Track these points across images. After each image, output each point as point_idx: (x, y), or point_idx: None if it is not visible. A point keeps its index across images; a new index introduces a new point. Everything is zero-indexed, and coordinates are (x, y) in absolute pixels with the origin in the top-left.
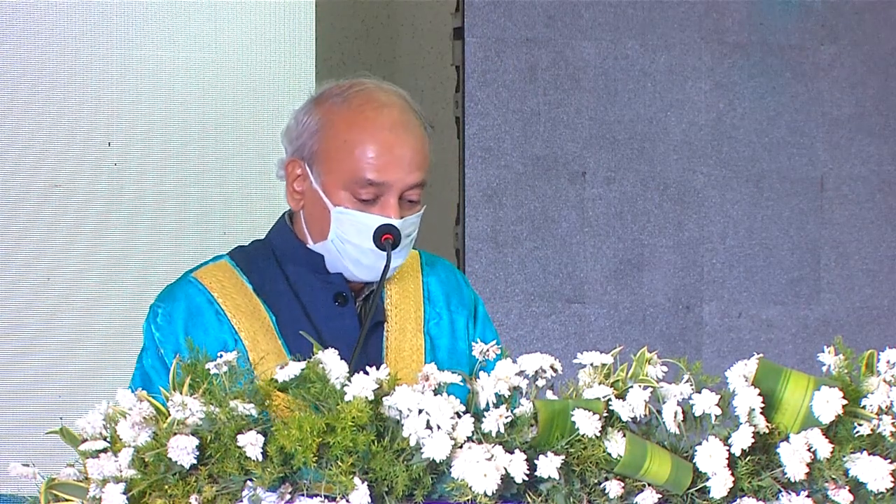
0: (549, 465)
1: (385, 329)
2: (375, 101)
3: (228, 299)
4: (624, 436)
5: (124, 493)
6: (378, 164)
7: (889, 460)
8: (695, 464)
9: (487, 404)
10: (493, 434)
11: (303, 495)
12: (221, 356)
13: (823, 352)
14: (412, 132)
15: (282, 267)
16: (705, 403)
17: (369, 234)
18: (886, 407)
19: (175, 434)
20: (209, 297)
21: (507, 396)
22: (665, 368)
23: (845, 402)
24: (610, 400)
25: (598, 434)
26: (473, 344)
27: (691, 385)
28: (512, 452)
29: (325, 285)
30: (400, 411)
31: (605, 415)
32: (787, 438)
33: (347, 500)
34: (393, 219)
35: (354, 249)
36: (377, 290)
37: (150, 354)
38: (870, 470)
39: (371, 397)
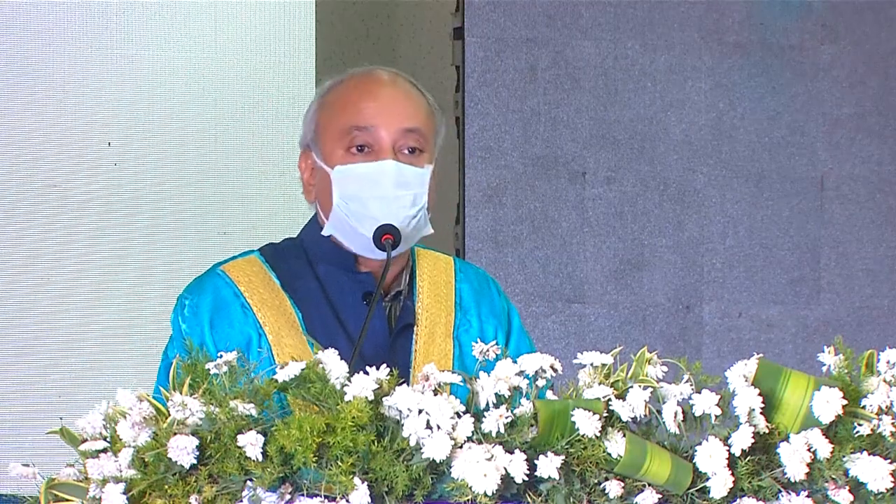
0: (549, 465)
1: (415, 332)
2: (366, 69)
3: (255, 293)
4: (624, 436)
5: (124, 493)
6: (367, 113)
7: (889, 460)
8: (695, 464)
9: (487, 404)
10: (493, 434)
11: (303, 495)
12: (221, 356)
13: (823, 352)
14: (404, 87)
15: (312, 265)
16: (705, 403)
17: (368, 182)
18: (886, 407)
19: (175, 434)
20: (235, 291)
21: (507, 396)
22: (665, 368)
23: (845, 402)
24: (610, 400)
25: (598, 434)
26: (473, 344)
27: (691, 385)
28: (512, 452)
29: (355, 284)
30: (400, 411)
31: (605, 415)
32: (787, 438)
33: (347, 500)
34: (386, 160)
35: (358, 205)
36: (381, 277)
37: (177, 346)
38: (870, 470)
39: (371, 397)
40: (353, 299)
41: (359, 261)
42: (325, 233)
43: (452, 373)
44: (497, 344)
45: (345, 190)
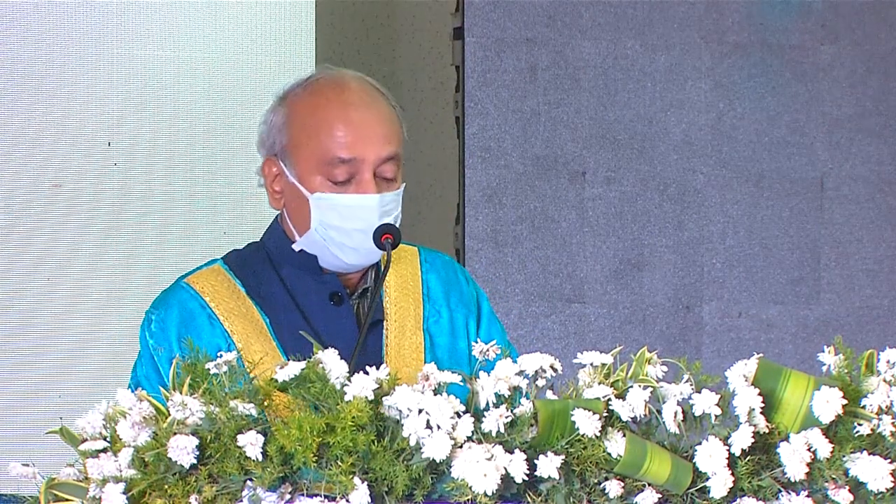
0: (549, 465)
1: (384, 327)
2: (335, 83)
3: (221, 303)
4: (624, 436)
5: (124, 493)
6: (347, 141)
7: (889, 460)
8: (695, 464)
9: (487, 404)
10: (493, 434)
11: (303, 495)
12: (221, 356)
13: (823, 352)
14: (377, 106)
15: (276, 269)
16: (705, 403)
17: (350, 215)
18: (886, 407)
19: (175, 434)
20: (201, 302)
21: (507, 396)
22: (665, 368)
23: (845, 402)
24: (610, 400)
25: (598, 434)
26: (473, 344)
27: (691, 385)
28: (512, 452)
29: (320, 286)
30: (400, 411)
31: (605, 415)
32: (787, 438)
33: (347, 500)
34: (370, 195)
35: (338, 233)
36: (376, 288)
37: (144, 363)
38: (870, 470)
39: (371, 397)
40: (319, 300)
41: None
42: (296, 247)
43: (453, 373)
44: (469, 334)
45: (325, 218)
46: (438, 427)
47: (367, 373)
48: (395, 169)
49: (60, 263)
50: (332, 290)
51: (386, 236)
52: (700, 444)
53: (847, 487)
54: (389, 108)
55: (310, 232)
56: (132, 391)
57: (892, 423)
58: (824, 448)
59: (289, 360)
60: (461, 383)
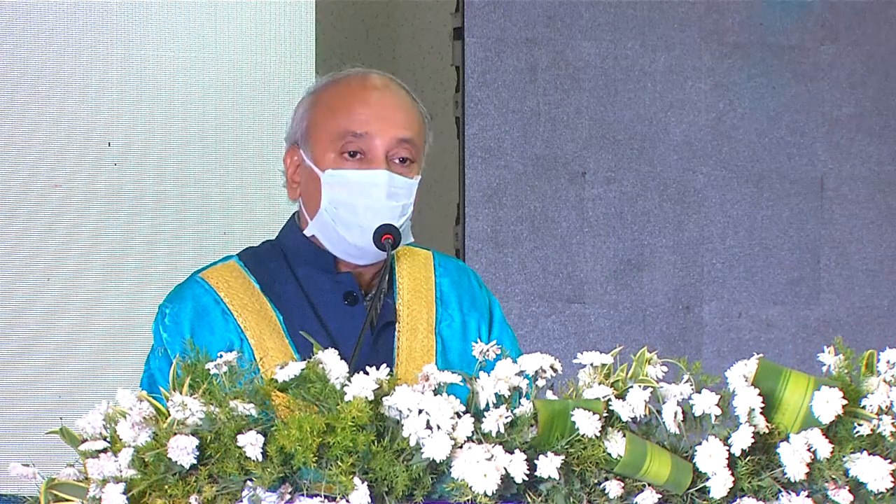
0: (549, 465)
1: (396, 329)
2: (362, 73)
3: (235, 298)
4: (624, 436)
5: (124, 493)
6: (362, 118)
7: (889, 460)
8: (695, 464)
9: (487, 404)
10: (493, 434)
11: (303, 495)
12: (222, 356)
13: (823, 352)
14: (398, 95)
15: (291, 267)
16: (705, 403)
17: (359, 191)
18: (886, 407)
19: (175, 434)
20: (215, 297)
21: (507, 396)
22: (665, 368)
23: (845, 402)
24: (610, 400)
25: (598, 434)
26: (474, 344)
27: (691, 385)
28: (512, 452)
29: (335, 285)
30: (400, 411)
31: (605, 415)
32: (787, 438)
33: (347, 500)
34: (380, 171)
35: (346, 211)
36: (380, 288)
37: (157, 356)
38: (870, 470)
39: (371, 397)
40: (333, 300)
41: (338, 262)
42: (307, 233)
43: (453, 373)
44: (481, 338)
45: (334, 195)
46: (438, 427)
47: (367, 373)
48: (409, 153)
49: (55, 261)
50: (346, 289)
51: (386, 237)
52: (700, 444)
53: (847, 487)
54: (413, 103)
55: (320, 212)
56: (146, 383)
57: (892, 423)
58: (824, 448)
59: (301, 358)
60: (461, 383)
